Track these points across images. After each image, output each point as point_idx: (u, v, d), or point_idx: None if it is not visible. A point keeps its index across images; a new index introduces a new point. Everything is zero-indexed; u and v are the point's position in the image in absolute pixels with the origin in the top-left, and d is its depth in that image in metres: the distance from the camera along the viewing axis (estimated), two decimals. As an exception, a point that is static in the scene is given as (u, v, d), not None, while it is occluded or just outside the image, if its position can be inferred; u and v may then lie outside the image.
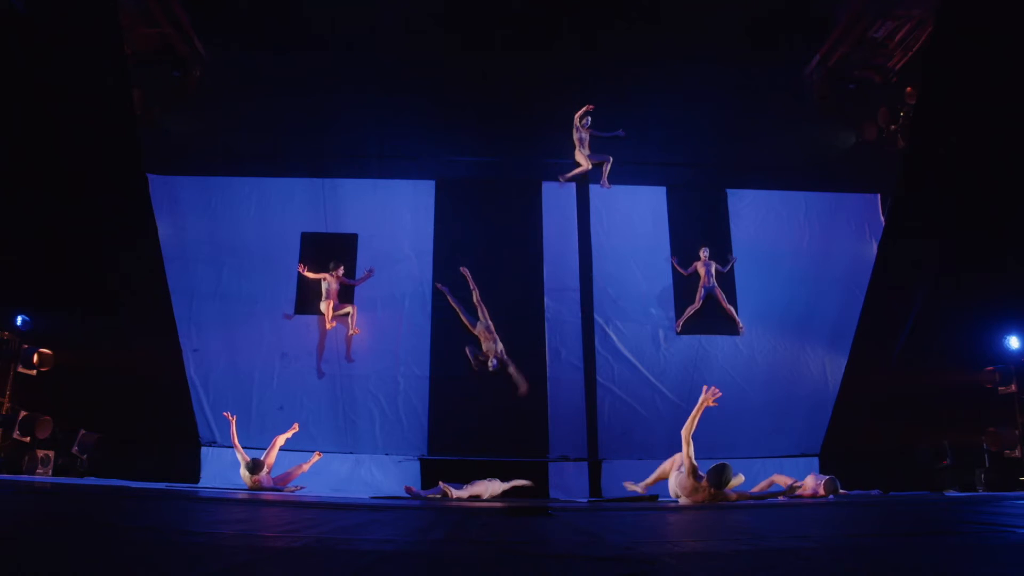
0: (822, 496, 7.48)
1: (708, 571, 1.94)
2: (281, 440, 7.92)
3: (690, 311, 9.39)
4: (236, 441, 7.75)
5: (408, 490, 7.79)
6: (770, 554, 2.23)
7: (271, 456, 7.78)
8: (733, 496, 6.02)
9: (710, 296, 9.37)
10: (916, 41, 9.51)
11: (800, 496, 7.66)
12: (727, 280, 9.57)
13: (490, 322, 9.09)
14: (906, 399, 8.46)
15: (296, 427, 8.11)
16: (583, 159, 9.73)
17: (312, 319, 9.32)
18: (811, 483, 7.64)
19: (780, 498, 7.39)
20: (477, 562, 2.15)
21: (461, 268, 9.32)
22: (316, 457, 8.09)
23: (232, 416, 7.84)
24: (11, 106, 7.70)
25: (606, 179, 9.75)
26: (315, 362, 9.22)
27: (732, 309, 9.42)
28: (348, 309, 9.25)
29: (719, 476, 5.81)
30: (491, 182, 9.97)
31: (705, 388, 5.92)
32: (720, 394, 5.89)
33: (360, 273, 9.51)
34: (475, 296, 9.20)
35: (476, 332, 9.12)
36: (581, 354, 9.26)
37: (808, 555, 2.22)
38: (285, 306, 9.38)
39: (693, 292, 9.46)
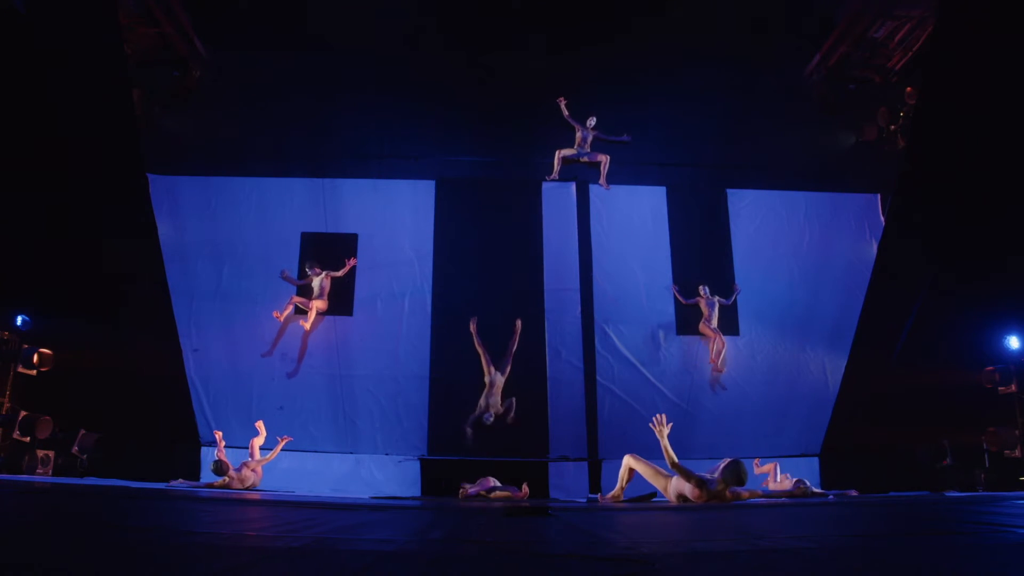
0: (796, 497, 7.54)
1: (708, 571, 1.93)
2: (257, 442, 8.04)
3: (705, 331, 9.33)
4: (223, 456, 7.93)
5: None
6: (770, 554, 2.23)
7: (255, 457, 7.93)
8: (745, 495, 6.01)
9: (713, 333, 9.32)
10: (916, 41, 9.51)
11: (773, 492, 7.72)
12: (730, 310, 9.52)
13: (505, 379, 8.68)
14: (906, 399, 8.46)
15: (261, 426, 8.15)
16: (566, 155, 9.71)
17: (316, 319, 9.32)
18: (785, 483, 7.71)
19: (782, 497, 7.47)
20: (477, 562, 2.15)
21: (516, 321, 8.84)
22: (285, 441, 8.12)
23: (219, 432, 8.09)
24: (11, 106, 7.70)
25: (604, 179, 9.75)
26: (311, 362, 9.21)
27: (722, 353, 9.26)
28: (318, 305, 9.14)
29: (737, 474, 5.74)
30: (491, 182, 9.97)
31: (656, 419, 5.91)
32: (663, 417, 5.91)
33: (357, 271, 9.48)
34: (512, 347, 8.75)
35: (490, 379, 8.67)
36: (581, 354, 9.25)
37: (808, 555, 2.22)
38: (284, 306, 9.38)
39: (694, 293, 9.44)
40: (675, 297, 9.49)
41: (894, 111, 9.84)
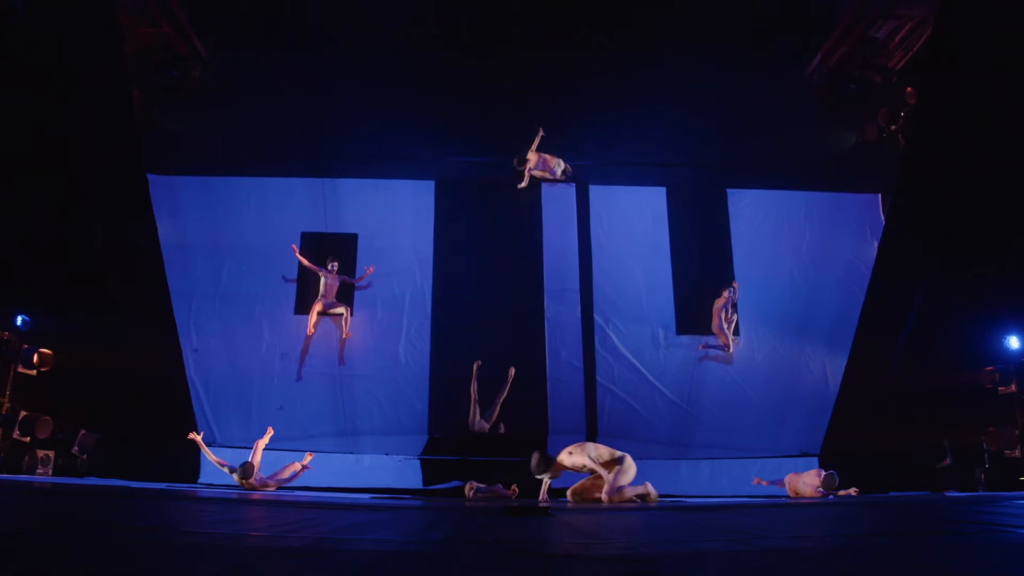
0: (820, 495, 7.51)
1: (708, 571, 1.93)
2: (261, 444, 7.80)
3: (724, 336, 9.32)
4: (212, 457, 7.69)
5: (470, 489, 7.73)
6: (770, 554, 2.23)
7: (256, 458, 7.78)
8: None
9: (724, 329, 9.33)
10: (917, 41, 9.50)
11: (799, 496, 7.69)
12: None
13: (490, 427, 8.76)
14: (906, 399, 8.46)
15: (271, 431, 7.91)
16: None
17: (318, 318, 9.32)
18: (809, 482, 7.67)
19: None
20: (477, 562, 2.15)
21: (510, 369, 8.90)
22: (309, 457, 7.96)
23: (199, 434, 7.74)
24: (11, 107, 7.70)
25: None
26: (312, 362, 9.20)
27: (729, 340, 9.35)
28: (341, 310, 9.20)
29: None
30: (491, 182, 9.97)
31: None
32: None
33: (360, 272, 9.49)
34: (502, 395, 8.77)
35: (473, 421, 8.74)
36: (581, 354, 9.26)
37: (808, 555, 2.22)
38: (285, 306, 9.38)
39: (693, 294, 9.44)
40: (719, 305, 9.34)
41: (895, 111, 9.83)
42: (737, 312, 9.43)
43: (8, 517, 3.31)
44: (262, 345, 9.23)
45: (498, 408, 8.76)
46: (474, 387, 8.83)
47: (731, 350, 9.27)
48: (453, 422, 8.89)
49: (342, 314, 9.20)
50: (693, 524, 3.65)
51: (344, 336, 9.22)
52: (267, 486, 7.65)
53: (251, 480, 7.54)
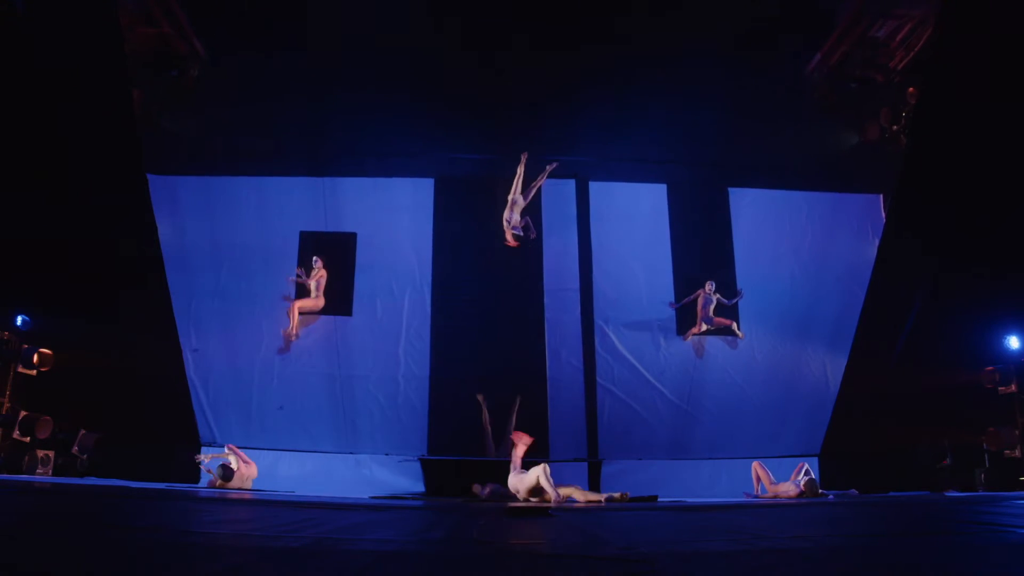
0: (803, 496, 7.50)
1: (708, 571, 1.94)
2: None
3: (693, 330, 9.33)
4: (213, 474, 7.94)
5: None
6: (770, 554, 2.23)
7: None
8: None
9: (709, 326, 9.32)
10: (918, 41, 9.48)
11: (787, 497, 7.68)
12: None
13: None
14: (906, 399, 8.46)
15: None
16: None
17: (311, 319, 9.32)
18: (790, 486, 7.67)
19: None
20: (477, 562, 2.15)
21: (517, 397, 8.81)
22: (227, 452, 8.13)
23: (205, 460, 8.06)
24: (11, 106, 7.70)
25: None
26: (312, 361, 9.20)
27: (732, 324, 9.34)
28: (316, 296, 9.24)
29: None
30: (490, 180, 9.92)
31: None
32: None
33: (357, 268, 9.50)
34: (512, 423, 8.64)
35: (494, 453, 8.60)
36: (581, 355, 9.25)
37: (808, 555, 2.22)
38: (285, 306, 9.37)
39: (696, 288, 9.44)
40: (677, 308, 9.45)
41: (896, 111, 9.81)
42: (738, 314, 9.42)
43: (8, 517, 3.32)
44: (262, 345, 9.22)
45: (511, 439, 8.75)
46: (485, 418, 8.75)
47: (687, 338, 9.28)
48: (451, 431, 8.87)
49: (318, 297, 9.22)
50: (693, 524, 3.65)
51: (320, 304, 9.22)
52: (245, 476, 7.73)
53: (231, 479, 7.64)
